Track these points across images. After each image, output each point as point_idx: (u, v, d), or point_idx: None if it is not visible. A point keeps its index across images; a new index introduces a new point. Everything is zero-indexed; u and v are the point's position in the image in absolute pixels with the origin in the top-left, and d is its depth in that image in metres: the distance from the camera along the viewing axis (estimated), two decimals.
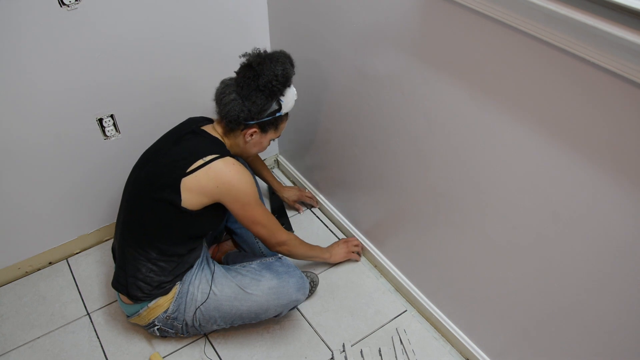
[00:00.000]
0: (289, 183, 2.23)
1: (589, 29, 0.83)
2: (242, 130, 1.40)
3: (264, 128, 1.41)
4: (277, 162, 2.29)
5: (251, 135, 1.41)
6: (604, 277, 1.04)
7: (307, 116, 1.89)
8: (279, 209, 2.04)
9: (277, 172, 2.28)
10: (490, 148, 1.17)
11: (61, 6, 1.40)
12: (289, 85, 1.40)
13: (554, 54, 0.93)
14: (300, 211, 2.06)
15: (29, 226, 1.74)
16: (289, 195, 2.01)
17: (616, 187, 0.94)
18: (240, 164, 1.38)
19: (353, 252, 1.83)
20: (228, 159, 1.36)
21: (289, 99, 1.41)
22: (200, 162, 1.33)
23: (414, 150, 1.41)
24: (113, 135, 1.72)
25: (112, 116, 1.68)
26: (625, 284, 1.01)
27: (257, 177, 1.94)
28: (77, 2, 1.41)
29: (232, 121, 1.37)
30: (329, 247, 1.79)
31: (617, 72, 0.84)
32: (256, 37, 1.83)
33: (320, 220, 2.04)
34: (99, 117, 1.66)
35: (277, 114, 1.40)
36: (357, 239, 1.87)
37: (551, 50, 0.93)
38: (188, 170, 1.32)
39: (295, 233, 1.98)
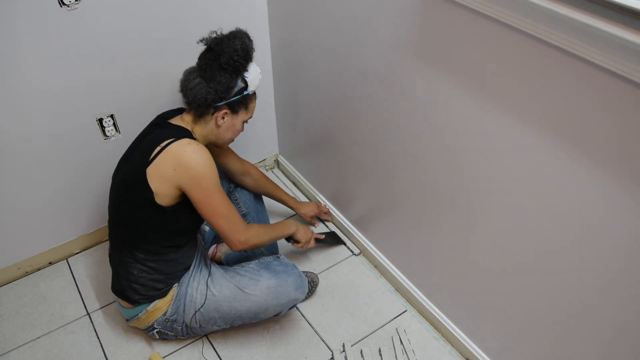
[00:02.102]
0: (289, 185, 2.22)
1: (589, 29, 0.83)
2: (212, 115, 1.37)
3: (234, 108, 1.38)
4: (277, 162, 2.29)
5: (222, 117, 1.38)
6: (606, 279, 1.04)
7: (307, 116, 1.89)
8: (332, 237, 1.93)
9: (277, 172, 2.28)
10: (491, 148, 1.17)
11: (61, 6, 1.40)
12: (250, 60, 1.37)
13: (554, 54, 0.93)
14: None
15: (29, 226, 1.74)
16: (306, 211, 1.93)
17: (617, 187, 0.94)
18: (197, 143, 1.33)
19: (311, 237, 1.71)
20: (184, 139, 1.31)
21: (254, 75, 1.38)
22: (158, 148, 1.31)
23: (414, 149, 1.41)
24: (113, 135, 1.72)
25: (112, 116, 1.68)
26: (628, 286, 1.01)
27: (271, 199, 1.89)
28: (77, 2, 1.41)
29: (201, 105, 1.34)
30: (293, 221, 1.65)
31: (618, 72, 0.84)
32: (256, 38, 1.83)
33: (320, 220, 2.04)
34: (99, 117, 1.66)
35: (245, 92, 1.37)
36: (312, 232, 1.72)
37: (551, 50, 0.93)
38: (149, 159, 1.31)
39: None
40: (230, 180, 1.77)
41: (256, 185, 1.80)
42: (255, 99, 1.46)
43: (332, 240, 1.93)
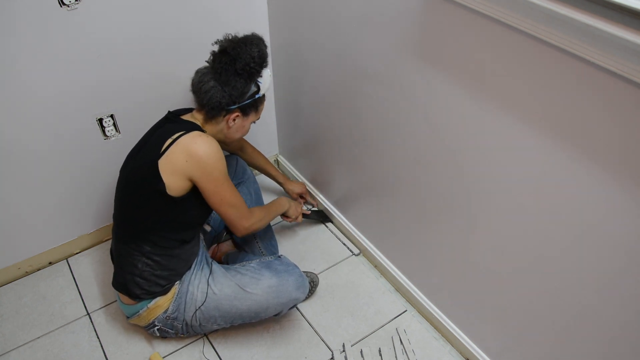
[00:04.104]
0: None
1: (589, 29, 0.83)
2: (224, 117, 1.40)
3: (245, 111, 1.42)
4: (277, 162, 2.29)
5: (234, 120, 1.41)
6: (606, 279, 1.04)
7: (307, 116, 1.89)
8: (319, 215, 2.06)
9: None
10: (491, 148, 1.17)
11: (61, 6, 1.40)
12: (266, 66, 1.41)
13: (554, 54, 0.93)
14: (301, 204, 2.06)
15: (29, 226, 1.74)
16: (293, 187, 2.00)
17: (617, 187, 0.94)
18: (207, 135, 1.36)
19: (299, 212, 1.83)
20: (195, 132, 1.34)
21: (266, 79, 1.42)
22: (169, 141, 1.33)
23: (414, 149, 1.41)
24: (113, 135, 1.72)
25: (112, 116, 1.68)
26: (628, 286, 1.01)
27: (262, 174, 1.97)
28: (77, 2, 1.41)
29: (214, 108, 1.37)
30: (284, 199, 1.75)
31: (617, 72, 0.84)
32: None
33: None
34: (99, 117, 1.66)
35: (256, 96, 1.41)
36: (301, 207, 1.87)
37: (551, 50, 0.93)
38: (161, 151, 1.33)
39: (294, 231, 1.99)
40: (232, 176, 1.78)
41: (248, 158, 1.87)
42: (264, 100, 1.49)
43: (318, 216, 2.05)
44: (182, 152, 1.32)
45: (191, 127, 1.38)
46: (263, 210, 1.59)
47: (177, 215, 1.39)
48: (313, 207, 2.10)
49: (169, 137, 1.34)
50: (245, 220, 1.47)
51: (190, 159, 1.32)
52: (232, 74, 1.34)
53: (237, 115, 1.41)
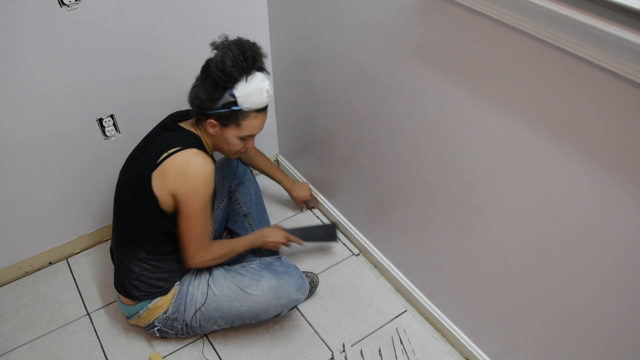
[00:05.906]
0: None
1: (589, 29, 0.83)
2: (205, 121, 1.34)
3: (221, 121, 1.32)
4: (277, 162, 2.29)
5: (212, 127, 1.34)
6: (606, 279, 1.04)
7: (307, 116, 1.89)
8: (326, 231, 1.87)
9: None
10: (491, 148, 1.17)
11: (61, 6, 1.40)
12: (232, 78, 1.26)
13: (554, 54, 0.93)
14: (304, 210, 2.08)
15: (29, 226, 1.74)
16: (298, 194, 1.97)
17: (617, 186, 0.94)
18: (204, 155, 1.31)
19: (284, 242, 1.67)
20: (191, 150, 1.29)
21: (246, 93, 1.27)
22: (165, 154, 1.30)
23: (414, 149, 1.41)
24: (113, 135, 1.72)
25: (112, 116, 1.68)
26: (628, 288, 1.01)
27: (264, 177, 1.94)
28: (77, 2, 1.41)
29: (193, 109, 1.34)
30: (261, 231, 1.63)
31: (618, 72, 0.84)
32: (256, 38, 1.82)
33: (320, 220, 2.04)
34: (99, 117, 1.66)
35: (233, 108, 1.29)
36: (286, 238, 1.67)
37: (551, 50, 0.93)
38: (156, 163, 1.30)
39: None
40: (231, 179, 1.77)
41: (250, 159, 1.83)
42: (256, 118, 1.34)
43: (324, 234, 1.85)
44: (173, 167, 1.29)
45: (190, 140, 1.34)
46: (225, 247, 1.49)
47: (169, 228, 1.38)
48: (313, 208, 2.09)
49: (167, 149, 1.30)
50: (201, 252, 1.40)
51: (177, 177, 1.28)
52: (206, 76, 1.30)
53: (213, 124, 1.33)
